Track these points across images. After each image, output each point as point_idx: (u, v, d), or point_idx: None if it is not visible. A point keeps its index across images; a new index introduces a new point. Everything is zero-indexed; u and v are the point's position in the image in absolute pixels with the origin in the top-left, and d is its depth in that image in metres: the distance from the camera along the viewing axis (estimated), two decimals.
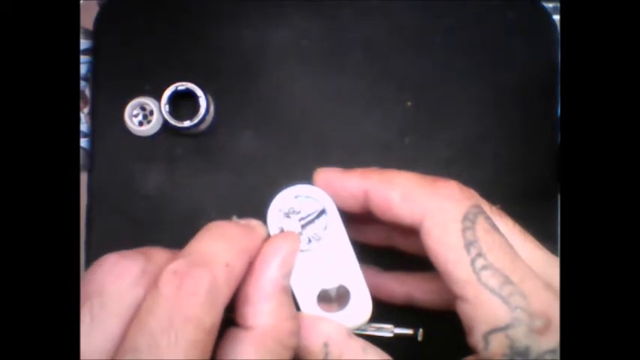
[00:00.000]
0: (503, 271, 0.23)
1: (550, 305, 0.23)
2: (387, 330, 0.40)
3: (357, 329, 0.27)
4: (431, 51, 0.42)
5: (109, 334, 0.21)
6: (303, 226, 0.26)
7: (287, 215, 0.26)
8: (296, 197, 0.26)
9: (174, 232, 0.42)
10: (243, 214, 0.42)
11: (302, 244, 0.26)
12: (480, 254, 0.23)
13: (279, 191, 0.26)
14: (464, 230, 0.23)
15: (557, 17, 0.42)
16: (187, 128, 0.41)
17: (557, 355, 0.22)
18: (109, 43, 0.43)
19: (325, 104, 0.42)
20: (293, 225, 0.26)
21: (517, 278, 0.23)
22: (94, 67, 0.43)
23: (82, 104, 0.43)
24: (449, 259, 0.23)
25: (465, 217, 0.24)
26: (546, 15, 0.42)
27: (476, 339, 0.23)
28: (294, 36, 0.43)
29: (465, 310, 0.23)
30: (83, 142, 0.43)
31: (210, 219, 0.44)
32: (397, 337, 0.39)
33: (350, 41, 0.43)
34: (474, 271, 0.23)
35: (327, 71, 0.42)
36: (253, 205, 0.28)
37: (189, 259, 0.23)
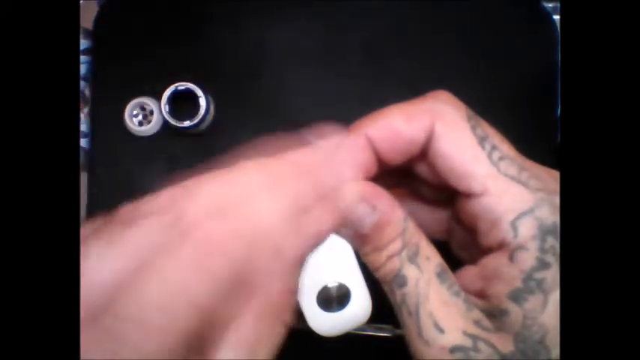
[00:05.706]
0: (516, 159, 0.24)
1: (558, 185, 0.24)
2: (387, 330, 0.40)
3: (357, 329, 0.26)
4: (431, 51, 0.42)
5: None
6: None
7: None
8: None
9: None
10: None
11: None
12: (494, 147, 0.24)
13: None
14: (473, 128, 0.24)
15: (557, 17, 0.42)
16: (187, 128, 0.40)
17: None
18: (109, 43, 0.43)
19: (325, 104, 0.42)
20: None
21: (527, 165, 0.24)
22: (94, 67, 0.43)
23: (82, 104, 0.43)
24: (467, 158, 0.24)
25: (469, 117, 0.24)
26: (546, 15, 0.42)
27: (504, 229, 0.23)
28: (294, 36, 0.43)
29: (489, 205, 0.24)
30: (83, 142, 0.43)
31: None
32: (397, 337, 0.39)
33: (350, 41, 0.43)
34: (493, 163, 0.24)
35: (327, 71, 0.42)
36: None
37: None
